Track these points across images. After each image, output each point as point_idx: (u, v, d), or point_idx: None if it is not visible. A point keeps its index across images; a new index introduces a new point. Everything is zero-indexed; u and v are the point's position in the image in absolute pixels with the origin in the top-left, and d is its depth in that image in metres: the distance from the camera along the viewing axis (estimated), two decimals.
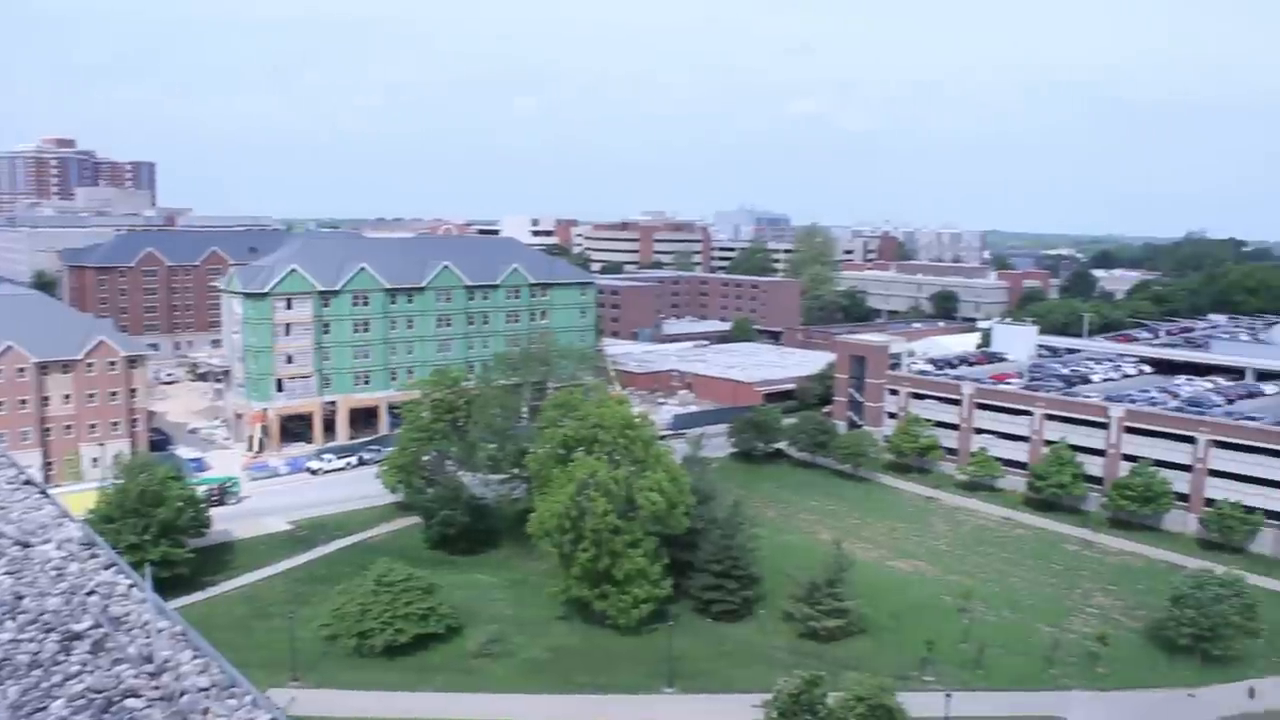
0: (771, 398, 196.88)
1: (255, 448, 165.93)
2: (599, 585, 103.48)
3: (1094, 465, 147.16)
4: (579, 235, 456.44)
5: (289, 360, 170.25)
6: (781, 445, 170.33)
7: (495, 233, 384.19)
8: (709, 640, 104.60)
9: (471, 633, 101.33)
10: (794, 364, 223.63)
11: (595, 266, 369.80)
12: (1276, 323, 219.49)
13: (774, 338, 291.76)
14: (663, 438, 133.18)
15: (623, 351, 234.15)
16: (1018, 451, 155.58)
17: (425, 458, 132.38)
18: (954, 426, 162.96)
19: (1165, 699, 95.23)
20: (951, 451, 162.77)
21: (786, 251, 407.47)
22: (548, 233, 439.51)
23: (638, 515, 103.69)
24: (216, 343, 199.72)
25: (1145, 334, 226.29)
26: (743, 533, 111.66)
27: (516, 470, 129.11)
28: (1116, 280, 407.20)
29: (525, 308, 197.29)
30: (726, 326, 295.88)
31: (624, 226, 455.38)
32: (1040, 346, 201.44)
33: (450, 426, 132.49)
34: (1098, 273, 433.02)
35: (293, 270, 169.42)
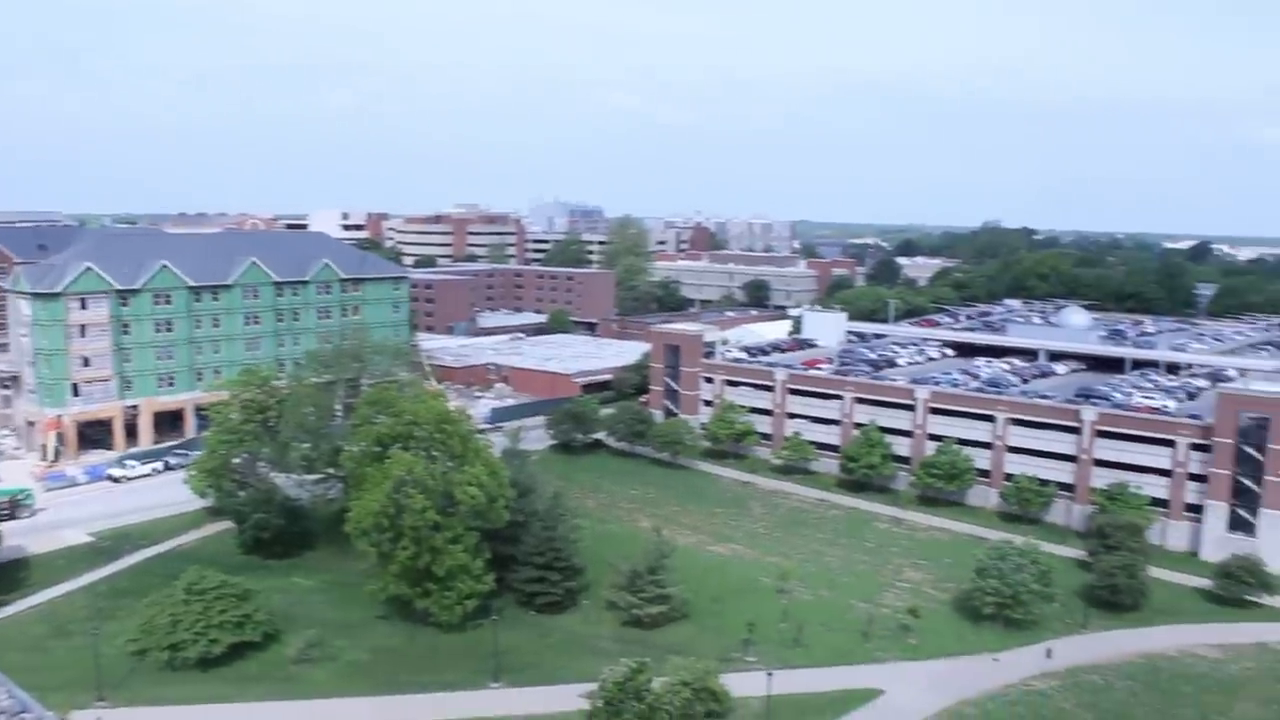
0: (589, 389, 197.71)
1: (50, 456, 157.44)
2: (420, 583, 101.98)
3: (902, 446, 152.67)
4: (391, 229, 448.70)
5: (85, 363, 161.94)
6: (600, 436, 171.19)
7: (304, 227, 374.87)
8: (534, 633, 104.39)
9: (290, 638, 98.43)
10: (610, 355, 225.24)
11: (408, 260, 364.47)
12: (1065, 306, 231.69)
13: (590, 329, 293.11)
14: (481, 432, 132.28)
15: (438, 346, 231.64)
16: (830, 435, 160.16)
17: (236, 460, 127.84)
18: (768, 412, 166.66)
19: (972, 664, 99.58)
20: (766, 437, 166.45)
21: (601, 243, 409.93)
22: (358, 227, 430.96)
23: (457, 510, 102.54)
24: (3, 347, 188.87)
25: (947, 319, 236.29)
26: (564, 524, 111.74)
27: (331, 470, 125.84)
28: (919, 268, 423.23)
29: (337, 304, 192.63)
30: (543, 319, 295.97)
31: (437, 219, 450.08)
32: (849, 332, 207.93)
33: (261, 427, 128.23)
34: (902, 261, 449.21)
35: (87, 269, 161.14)
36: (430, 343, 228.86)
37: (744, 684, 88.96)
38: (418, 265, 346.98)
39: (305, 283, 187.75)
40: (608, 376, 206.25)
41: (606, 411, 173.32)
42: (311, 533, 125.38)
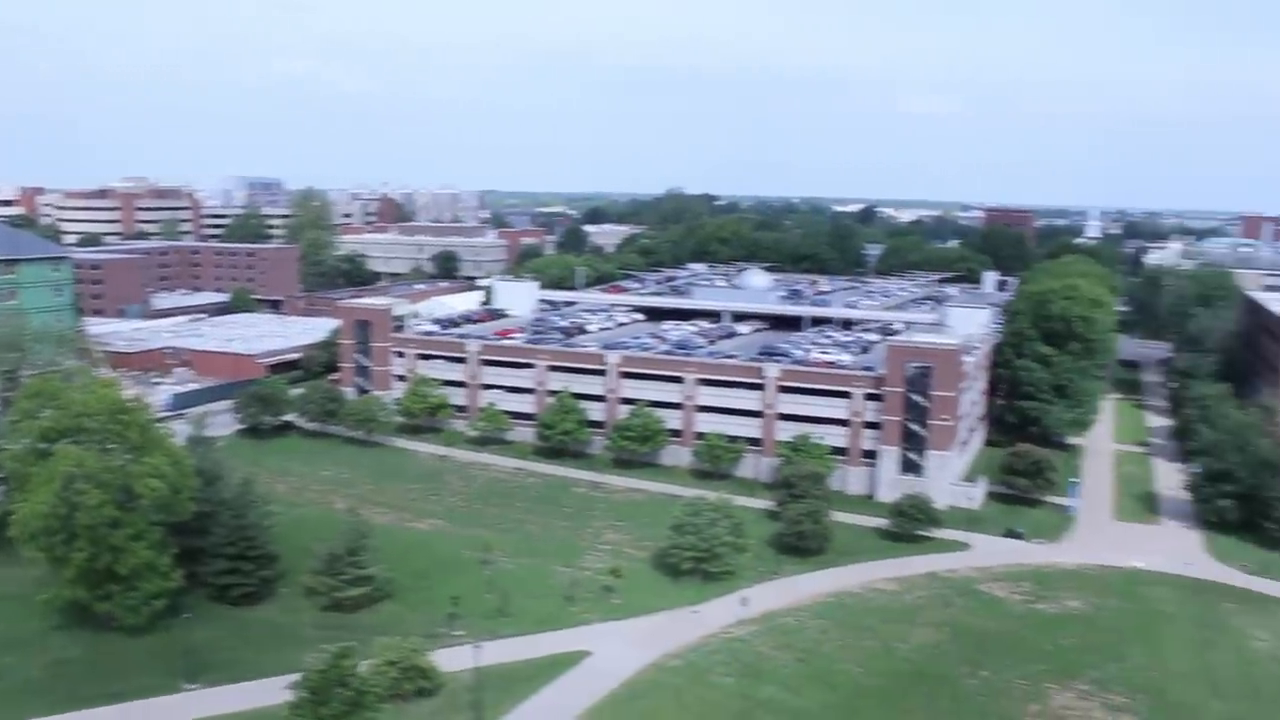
0: (276, 369, 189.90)
1: None
2: (101, 586, 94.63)
3: (596, 411, 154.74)
4: (47, 205, 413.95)
5: None
6: (290, 417, 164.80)
7: None
8: (230, 627, 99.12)
9: None
10: (297, 333, 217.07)
11: (70, 239, 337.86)
12: (747, 269, 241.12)
13: (275, 307, 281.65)
14: (161, 420, 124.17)
15: (109, 330, 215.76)
16: (525, 404, 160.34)
17: None
18: (462, 384, 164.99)
19: (673, 618, 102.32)
20: (461, 409, 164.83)
21: (283, 217, 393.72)
22: (8, 202, 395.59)
23: (138, 505, 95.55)
24: None
25: (635, 284, 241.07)
26: (255, 511, 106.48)
27: None
28: (607, 235, 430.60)
29: None
30: (224, 298, 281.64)
31: (102, 194, 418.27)
32: (541, 301, 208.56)
33: None
34: (589, 228, 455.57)
35: None
36: (100, 328, 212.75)
37: (453, 658, 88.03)
38: (81, 244, 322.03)
39: None
40: (296, 356, 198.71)
41: (296, 392, 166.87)
42: None
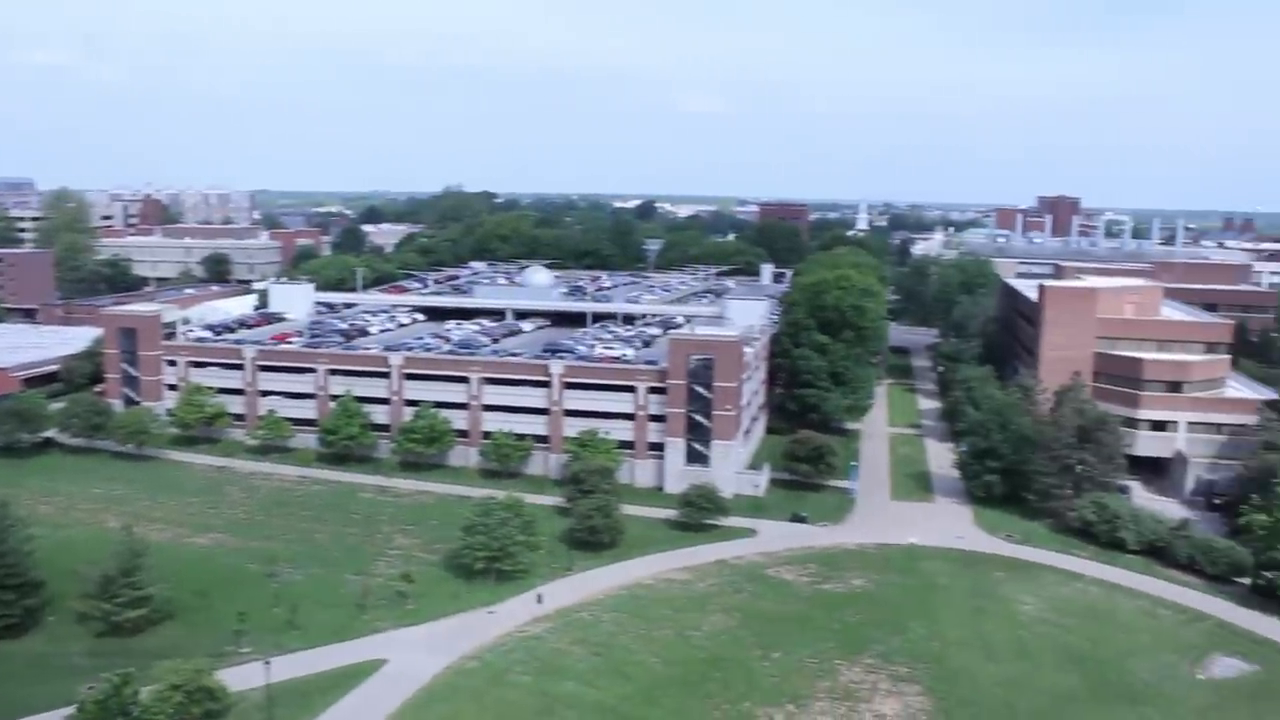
0: (33, 382, 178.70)
1: None
2: None
3: (381, 414, 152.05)
4: None
5: None
6: (51, 433, 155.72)
7: None
8: None
9: None
10: (56, 343, 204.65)
11: None
12: (528, 266, 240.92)
13: (28, 315, 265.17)
14: None
15: None
16: (306, 409, 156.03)
17: None
18: (239, 392, 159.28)
19: (469, 620, 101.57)
20: (240, 417, 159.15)
21: (34, 219, 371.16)
22: None
23: None
24: None
25: (416, 284, 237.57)
26: (15, 536, 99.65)
27: None
28: (385, 234, 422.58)
29: None
30: None
31: None
32: (318, 304, 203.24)
33: None
34: (367, 228, 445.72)
35: None
36: None
37: (242, 677, 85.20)
38: None
39: None
40: (55, 367, 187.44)
41: (56, 406, 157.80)
42: None
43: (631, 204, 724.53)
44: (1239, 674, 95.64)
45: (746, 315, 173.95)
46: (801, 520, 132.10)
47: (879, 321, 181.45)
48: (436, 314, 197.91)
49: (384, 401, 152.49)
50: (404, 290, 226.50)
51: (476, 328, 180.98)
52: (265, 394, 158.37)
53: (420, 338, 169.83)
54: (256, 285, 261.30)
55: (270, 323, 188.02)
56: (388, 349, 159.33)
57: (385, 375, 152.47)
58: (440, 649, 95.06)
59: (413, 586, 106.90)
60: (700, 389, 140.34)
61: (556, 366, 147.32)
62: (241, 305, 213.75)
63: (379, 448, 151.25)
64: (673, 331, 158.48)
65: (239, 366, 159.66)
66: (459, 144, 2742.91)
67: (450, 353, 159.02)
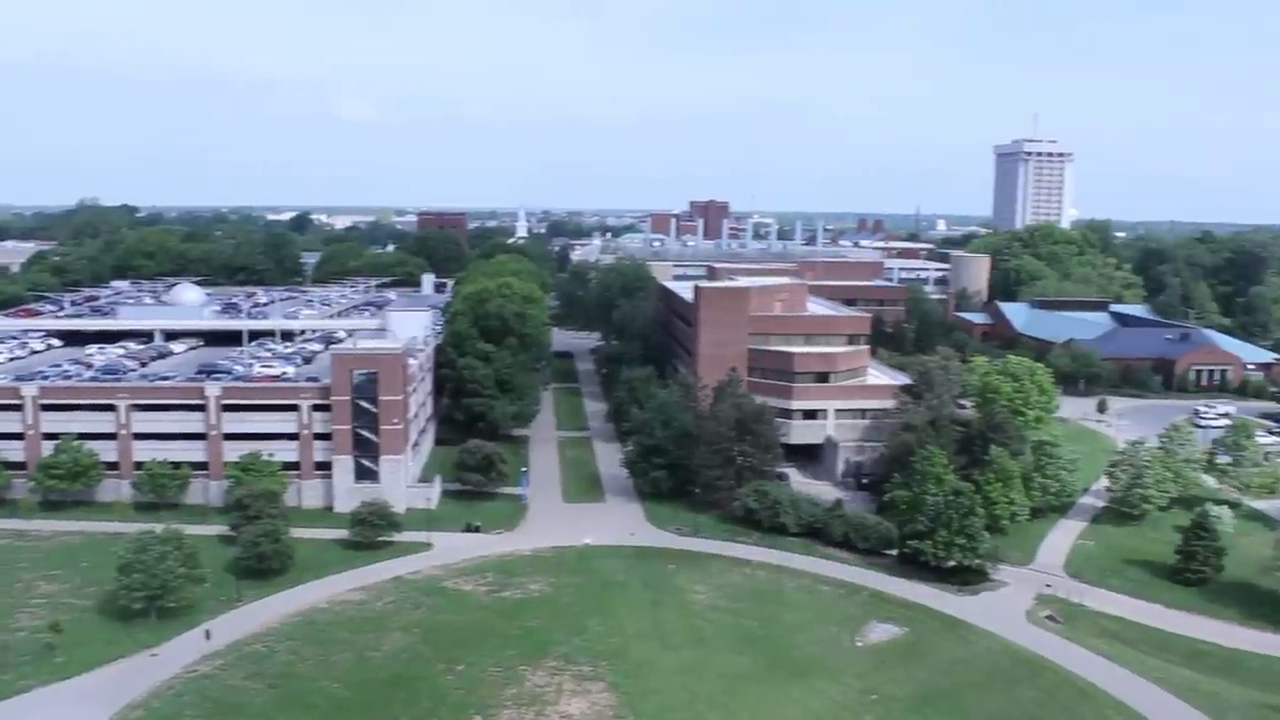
0: None
1: None
2: None
3: (14, 450, 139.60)
4: None
5: None
6: None
7: None
8: None
9: None
10: None
11: None
12: (177, 284, 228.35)
13: None
14: None
15: None
16: None
17: None
18: None
19: (131, 665, 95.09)
20: None
21: None
22: None
23: None
24: None
25: (51, 306, 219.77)
26: None
27: None
28: (11, 253, 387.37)
29: None
30: None
31: None
32: None
33: None
34: None
35: None
36: None
37: None
38: None
39: None
40: None
41: None
42: None
43: (286, 216, 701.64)
44: (891, 638, 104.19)
45: (409, 327, 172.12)
46: (476, 530, 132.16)
47: (542, 327, 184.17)
48: (76, 338, 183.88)
49: (18, 437, 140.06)
50: (36, 314, 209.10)
51: (122, 351, 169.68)
52: None
53: (58, 364, 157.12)
54: None
55: None
56: (19, 379, 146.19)
57: (18, 408, 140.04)
58: (98, 701, 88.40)
59: (62, 637, 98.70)
60: (366, 404, 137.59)
61: (213, 388, 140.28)
62: None
63: (13, 487, 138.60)
64: (335, 346, 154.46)
65: None
66: (92, 154, 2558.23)
67: (93, 379, 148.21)
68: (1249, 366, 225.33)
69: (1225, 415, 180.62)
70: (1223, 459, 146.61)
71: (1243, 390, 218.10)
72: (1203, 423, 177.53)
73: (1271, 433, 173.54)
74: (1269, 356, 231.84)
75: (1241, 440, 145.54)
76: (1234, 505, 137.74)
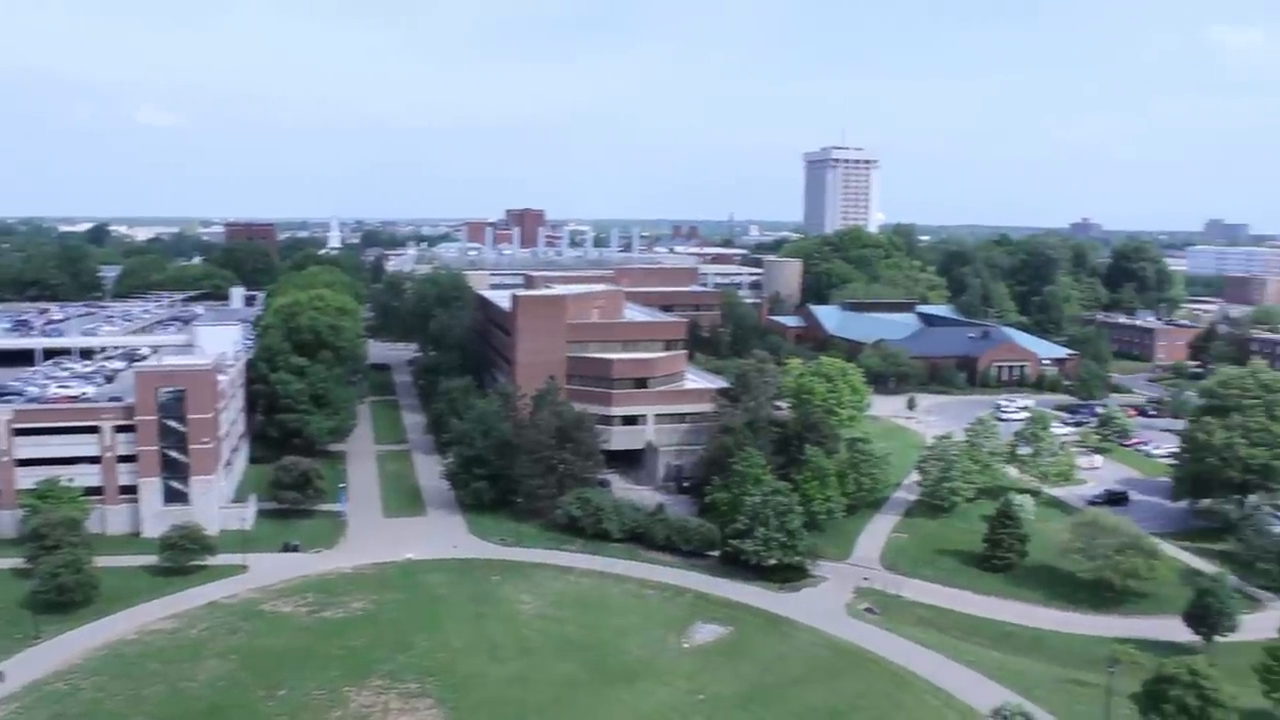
0: None
1: None
2: None
3: None
4: None
5: None
6: None
7: None
8: None
9: None
10: None
11: None
12: None
13: None
14: None
15: None
16: None
17: None
18: None
19: None
20: None
21: None
22: None
23: None
24: None
25: None
26: None
27: None
28: None
29: None
30: None
31: None
32: None
33: None
34: None
35: None
36: None
37: None
38: None
39: None
40: None
41: None
42: None
43: (82, 227, 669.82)
44: (716, 638, 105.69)
45: (218, 342, 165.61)
46: (294, 549, 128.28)
47: (357, 340, 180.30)
48: None
49: None
50: None
51: None
52: None
53: None
54: None
55: None
56: None
57: None
58: None
59: None
60: (173, 423, 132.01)
61: (3, 412, 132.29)
62: None
63: None
64: (138, 364, 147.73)
65: None
66: None
67: None
68: (1044, 361, 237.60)
69: (1024, 409, 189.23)
70: (1023, 450, 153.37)
71: (1039, 384, 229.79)
72: (1004, 416, 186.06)
73: (1066, 424, 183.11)
74: (1062, 352, 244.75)
75: (1039, 432, 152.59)
76: (1035, 494, 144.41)
